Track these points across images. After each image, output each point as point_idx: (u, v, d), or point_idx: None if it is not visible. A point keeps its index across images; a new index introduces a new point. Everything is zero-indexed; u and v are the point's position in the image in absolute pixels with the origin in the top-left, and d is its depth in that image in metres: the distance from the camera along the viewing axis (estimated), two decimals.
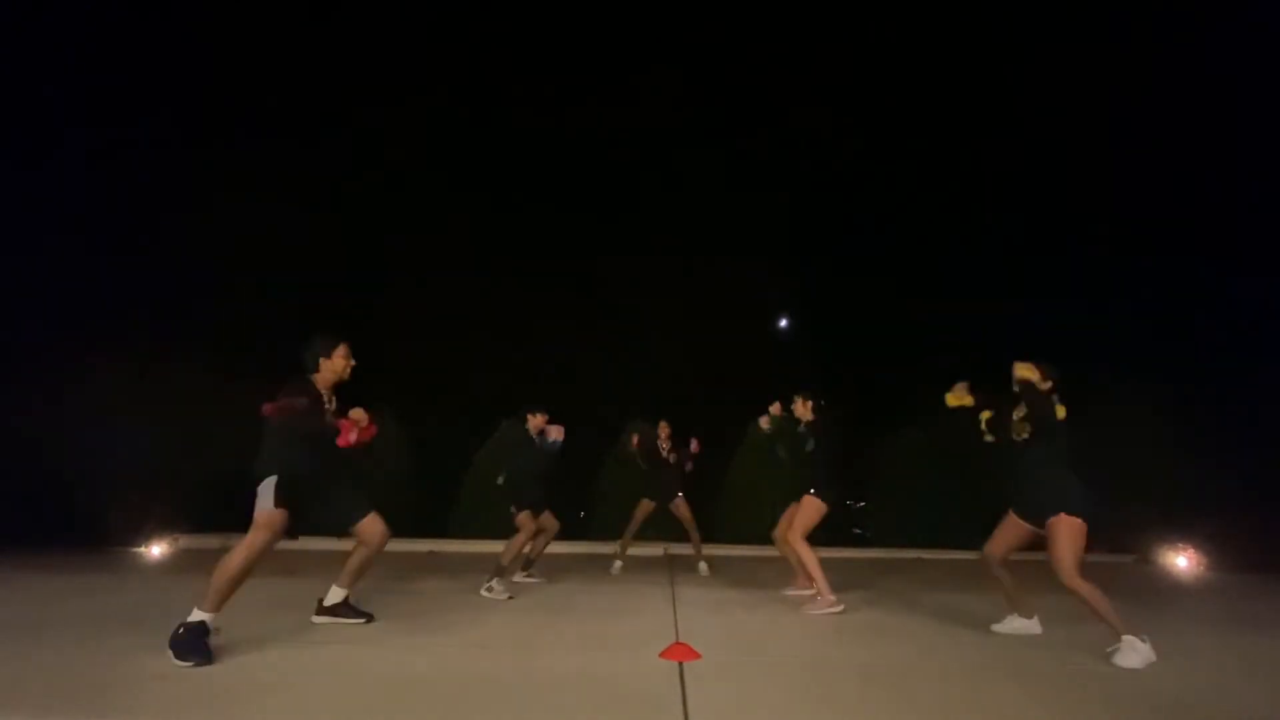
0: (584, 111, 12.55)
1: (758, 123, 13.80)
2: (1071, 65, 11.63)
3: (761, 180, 13.97)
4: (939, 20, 12.20)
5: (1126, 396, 8.60)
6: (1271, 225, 10.48)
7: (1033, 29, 11.73)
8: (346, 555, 3.78)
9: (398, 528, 3.99)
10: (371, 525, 3.64)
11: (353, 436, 3.40)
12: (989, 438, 3.81)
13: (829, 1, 12.53)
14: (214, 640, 2.93)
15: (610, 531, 6.85)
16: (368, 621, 3.69)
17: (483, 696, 2.50)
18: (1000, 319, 12.22)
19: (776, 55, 13.07)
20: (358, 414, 3.52)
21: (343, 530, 3.68)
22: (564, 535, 9.09)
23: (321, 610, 3.71)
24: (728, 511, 9.56)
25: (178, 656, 2.80)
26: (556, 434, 5.34)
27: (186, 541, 7.90)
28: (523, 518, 5.09)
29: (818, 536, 4.86)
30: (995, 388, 3.88)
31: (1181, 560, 8.10)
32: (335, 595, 3.73)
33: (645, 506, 6.42)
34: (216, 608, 2.97)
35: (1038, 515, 3.46)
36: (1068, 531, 3.29)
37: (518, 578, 5.41)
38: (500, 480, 5.34)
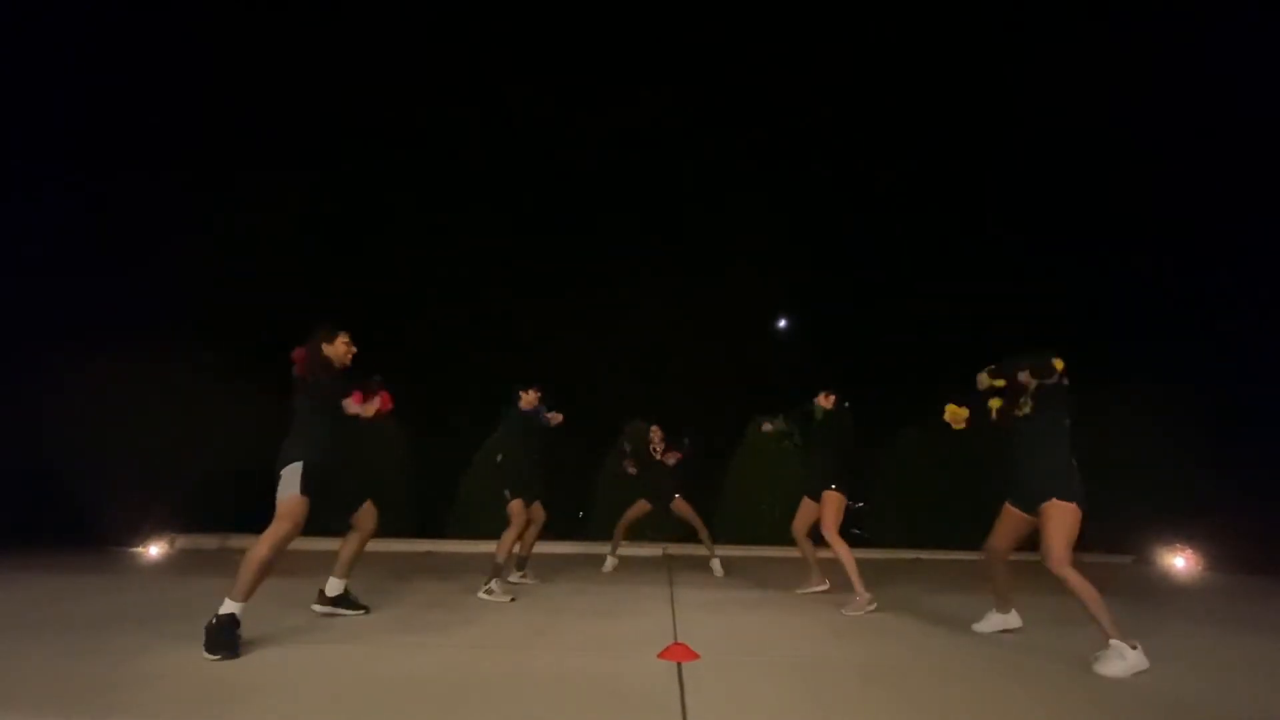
0: (583, 113, 12.57)
1: (758, 123, 13.82)
2: (1071, 64, 11.66)
3: (761, 180, 13.99)
4: (940, 20, 12.22)
5: (1125, 396, 8.61)
6: (1272, 225, 10.51)
7: (1035, 27, 11.75)
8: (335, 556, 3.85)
9: (396, 528, 4.02)
10: (368, 511, 3.79)
11: (372, 407, 3.59)
12: (994, 415, 3.71)
13: (830, 2, 12.55)
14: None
15: (608, 532, 6.85)
16: (365, 614, 3.83)
17: (481, 697, 2.51)
18: (1000, 319, 12.25)
19: (777, 56, 13.09)
20: (370, 386, 3.69)
21: (345, 520, 3.76)
22: (563, 535, 9.13)
23: (323, 600, 3.82)
24: (726, 512, 9.55)
25: (207, 648, 2.85)
26: (555, 419, 5.40)
27: (184, 542, 7.89)
28: (515, 506, 4.98)
29: (816, 536, 4.89)
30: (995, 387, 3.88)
31: (1179, 561, 8.11)
32: (335, 586, 3.84)
33: (640, 506, 6.43)
34: (246, 597, 3.04)
35: (1032, 500, 3.41)
36: (1060, 516, 3.25)
37: (513, 577, 5.34)
38: (499, 458, 5.31)
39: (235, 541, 8.08)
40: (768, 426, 5.28)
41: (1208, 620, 4.60)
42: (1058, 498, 3.28)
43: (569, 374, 11.86)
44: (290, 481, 3.26)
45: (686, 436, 6.46)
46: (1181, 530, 8.33)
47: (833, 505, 4.75)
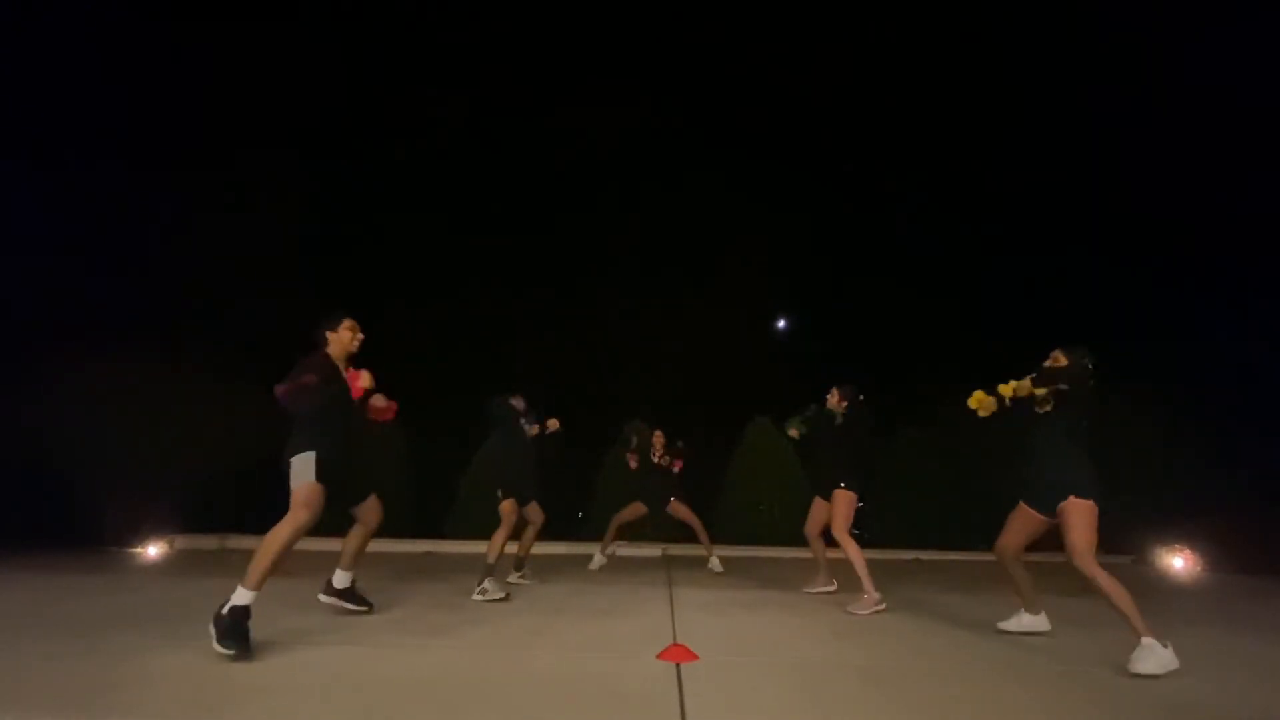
0: (582, 112, 12.56)
1: (757, 122, 13.82)
2: (1074, 64, 11.67)
3: (760, 180, 14.00)
4: (940, 18, 12.22)
5: (1124, 396, 8.61)
6: (1272, 225, 10.51)
7: (1039, 25, 11.74)
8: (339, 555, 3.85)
9: (396, 528, 4.03)
10: (373, 504, 3.78)
11: (380, 404, 3.65)
12: (1007, 402, 3.65)
13: (830, 2, 12.56)
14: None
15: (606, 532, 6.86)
16: (369, 612, 3.84)
17: (481, 697, 2.51)
18: (999, 319, 12.26)
19: (776, 55, 13.10)
20: (377, 399, 3.72)
21: (349, 514, 3.76)
22: (562, 536, 9.13)
23: (330, 591, 3.82)
24: (726, 512, 9.56)
25: (219, 640, 2.81)
26: (552, 425, 5.44)
27: (183, 542, 7.89)
28: (507, 505, 4.96)
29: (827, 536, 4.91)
30: (994, 389, 3.89)
31: (1178, 561, 8.12)
32: (342, 579, 3.85)
33: (635, 508, 6.44)
34: (258, 586, 2.99)
35: (1049, 500, 3.39)
36: (1080, 514, 3.23)
37: (511, 578, 5.32)
38: (492, 455, 5.32)
39: (234, 542, 8.08)
40: (794, 432, 5.25)
41: (1207, 620, 4.61)
42: (1076, 495, 3.27)
43: (568, 374, 11.89)
44: (304, 470, 3.22)
45: (682, 443, 6.49)
46: (1180, 530, 8.33)
47: (844, 504, 4.76)
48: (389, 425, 3.86)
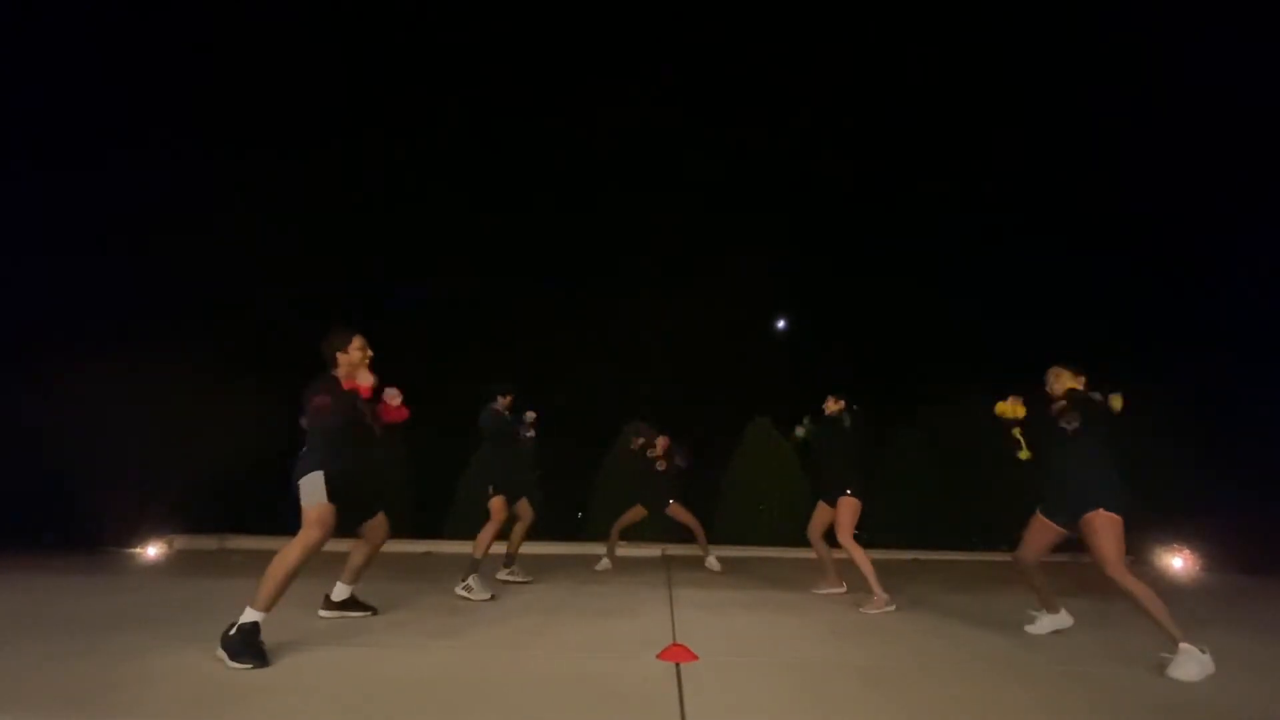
0: (581, 112, 12.58)
1: (756, 122, 13.83)
2: (1075, 62, 11.67)
3: (759, 180, 14.01)
4: (941, 17, 12.23)
5: (1122, 396, 8.59)
6: (1271, 224, 10.52)
7: (1037, 24, 11.75)
8: (343, 555, 3.85)
9: (396, 529, 4.03)
10: (380, 522, 3.77)
11: (395, 403, 3.65)
12: (1023, 454, 3.78)
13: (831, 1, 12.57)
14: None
15: (606, 532, 6.86)
16: (373, 614, 3.84)
17: (480, 697, 2.51)
18: (998, 319, 12.26)
19: (775, 54, 13.11)
20: (391, 392, 3.70)
21: (356, 528, 3.75)
22: (561, 535, 9.13)
23: (329, 605, 3.82)
24: (726, 512, 9.56)
25: (233, 658, 2.78)
26: (529, 418, 5.42)
27: (183, 542, 7.89)
28: (496, 502, 4.97)
29: (829, 538, 4.94)
30: (994, 388, 3.91)
31: (1177, 561, 8.12)
32: (342, 591, 3.85)
33: (636, 511, 6.46)
34: (268, 607, 2.95)
35: (1071, 513, 3.39)
36: (1106, 527, 3.24)
37: (501, 575, 5.31)
38: (483, 444, 5.32)
39: (234, 542, 8.08)
40: (800, 430, 5.32)
41: (1206, 620, 4.60)
42: (1104, 508, 3.27)
43: (568, 374, 11.89)
44: (314, 491, 3.18)
45: (682, 452, 6.51)
46: (1179, 530, 8.33)
47: (848, 510, 4.84)
48: (399, 426, 3.81)
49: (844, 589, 5.18)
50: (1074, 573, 6.11)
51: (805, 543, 5.38)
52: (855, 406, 5.07)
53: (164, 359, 8.41)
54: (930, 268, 13.65)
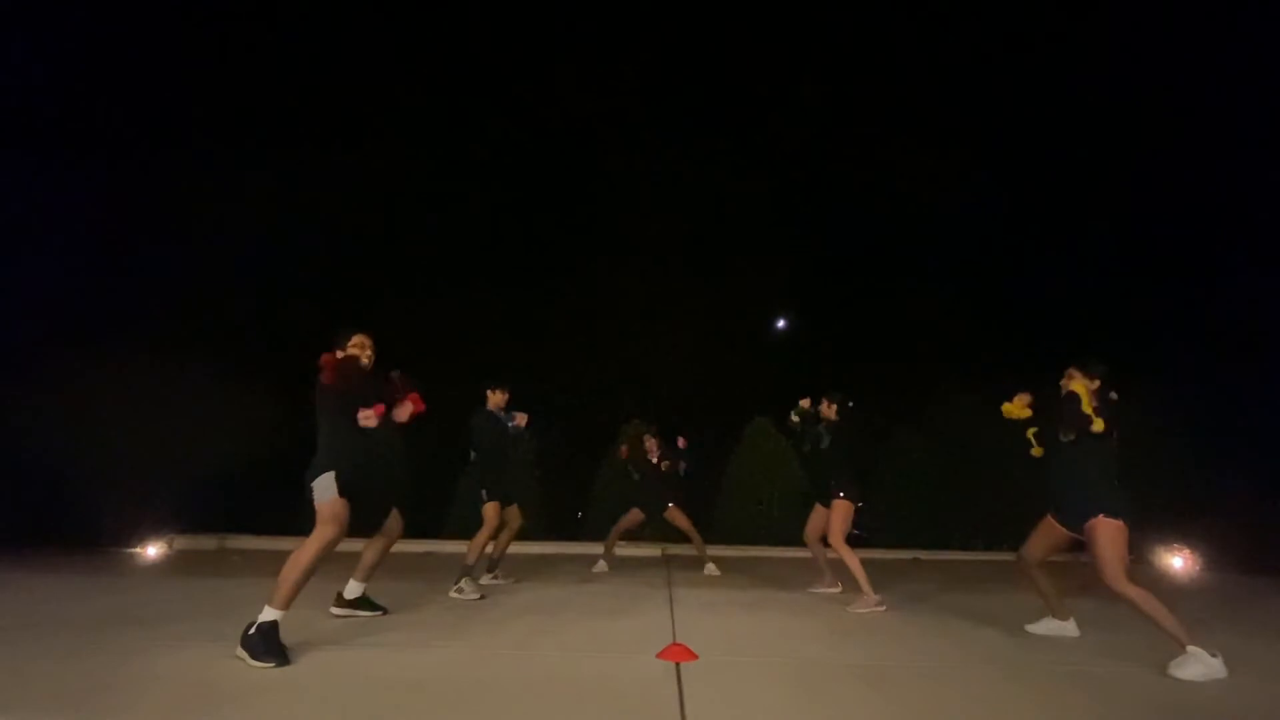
0: (579, 111, 12.57)
1: (755, 121, 13.84)
2: (1073, 57, 11.66)
3: (758, 180, 13.99)
4: (942, 16, 12.23)
5: (1123, 395, 8.59)
6: (1272, 224, 10.52)
7: (1031, 20, 11.74)
8: (350, 553, 3.83)
9: None
10: (395, 518, 3.80)
11: (406, 412, 3.58)
12: (1036, 451, 3.79)
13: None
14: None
15: (605, 532, 6.86)
16: (383, 614, 3.86)
17: (480, 697, 2.51)
18: (998, 319, 12.26)
19: (773, 53, 13.11)
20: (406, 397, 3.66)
21: (373, 527, 3.75)
22: (560, 536, 9.13)
23: (341, 603, 3.84)
24: (725, 512, 9.56)
25: (254, 657, 2.79)
26: (520, 420, 5.35)
27: (183, 542, 7.89)
28: (489, 508, 5.02)
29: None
30: (994, 387, 3.92)
31: (1177, 561, 8.12)
32: (354, 589, 3.87)
33: (634, 515, 6.47)
34: (286, 605, 2.96)
35: (1077, 518, 3.40)
36: (1108, 534, 3.23)
37: (484, 579, 5.34)
38: (472, 457, 5.31)
39: (233, 542, 8.08)
40: (795, 417, 5.34)
41: (1206, 620, 4.60)
42: (1105, 514, 3.27)
43: (567, 374, 11.90)
44: (326, 488, 3.18)
45: (680, 436, 6.50)
46: (1179, 530, 8.33)
47: (841, 513, 4.87)
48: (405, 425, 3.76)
49: (839, 588, 5.22)
50: (1076, 573, 6.11)
51: (804, 543, 5.41)
52: (851, 404, 5.09)
53: (164, 359, 8.41)
54: (930, 267, 13.66)
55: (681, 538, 6.60)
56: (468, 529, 8.74)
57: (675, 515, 6.37)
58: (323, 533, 3.10)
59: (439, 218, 12.74)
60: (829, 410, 5.11)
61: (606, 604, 4.54)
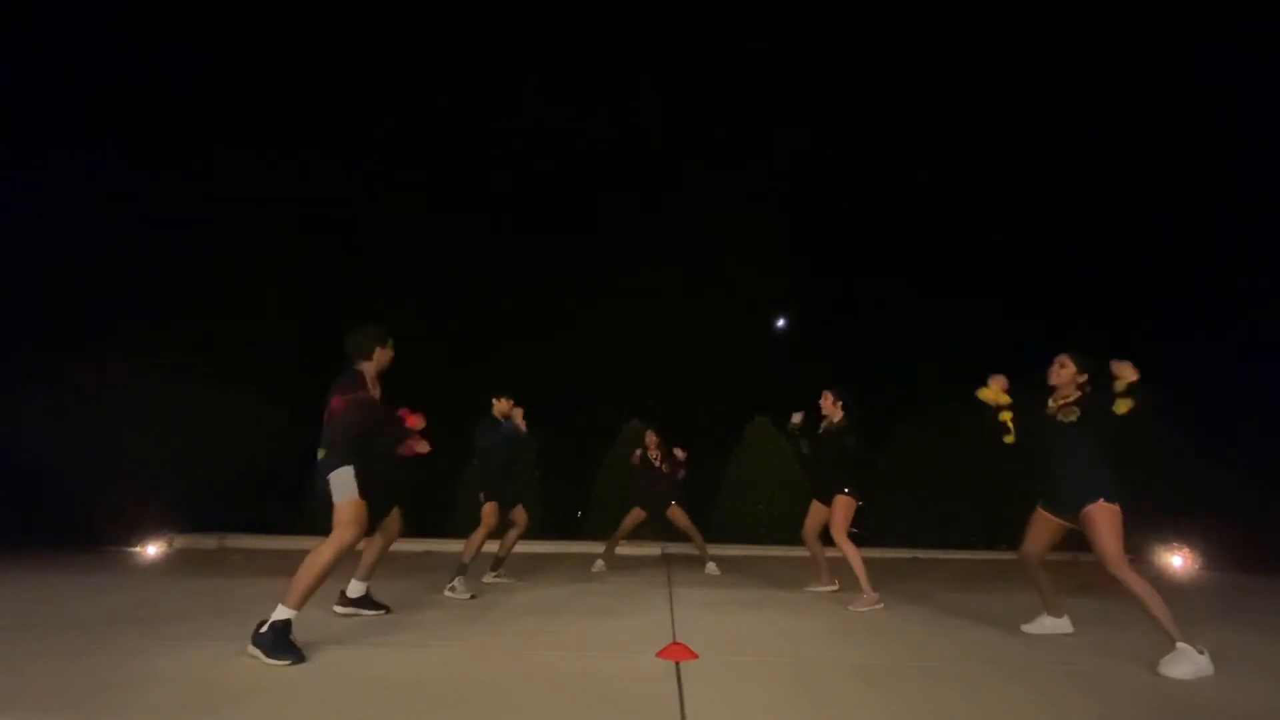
0: (582, 115, 12.57)
1: (756, 121, 13.84)
2: (1076, 65, 11.66)
3: (756, 179, 14.00)
4: (938, 17, 12.22)
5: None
6: (1270, 224, 10.53)
7: (1036, 26, 11.74)
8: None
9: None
10: (395, 517, 3.82)
11: (419, 447, 3.63)
12: (1008, 438, 3.79)
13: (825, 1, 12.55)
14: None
15: (607, 532, 6.86)
16: (387, 613, 3.88)
17: (479, 696, 2.51)
18: (997, 319, 12.26)
19: (773, 55, 13.10)
20: (415, 420, 3.69)
21: (373, 526, 3.73)
22: (560, 535, 9.13)
23: (344, 601, 3.85)
24: (725, 511, 9.57)
25: (269, 655, 2.80)
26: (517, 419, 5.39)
27: (182, 541, 7.89)
28: (488, 509, 5.02)
29: (824, 536, 4.95)
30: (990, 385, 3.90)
31: (1177, 559, 8.13)
32: (357, 588, 3.88)
33: (636, 515, 6.47)
34: (299, 605, 2.95)
35: (1072, 506, 3.39)
36: (1106, 518, 3.24)
37: (486, 578, 5.35)
38: (474, 461, 5.32)
39: (233, 541, 8.07)
40: (796, 419, 5.33)
41: (1205, 619, 4.61)
42: (1104, 499, 3.28)
43: (567, 374, 11.90)
44: (344, 486, 3.16)
45: (677, 448, 6.52)
46: (1179, 529, 8.34)
47: (843, 508, 4.87)
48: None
49: (837, 586, 5.24)
50: (1075, 571, 6.12)
51: (802, 541, 5.41)
52: (851, 405, 5.08)
53: (164, 359, 8.41)
54: (930, 266, 13.66)
55: (682, 537, 6.60)
56: (468, 529, 8.81)
57: (677, 514, 6.38)
58: (341, 535, 3.08)
59: (442, 221, 12.74)
60: (833, 407, 5.07)
61: (606, 603, 4.54)
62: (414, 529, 8.85)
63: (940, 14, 12.24)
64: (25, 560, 6.12)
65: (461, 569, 4.74)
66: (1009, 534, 7.94)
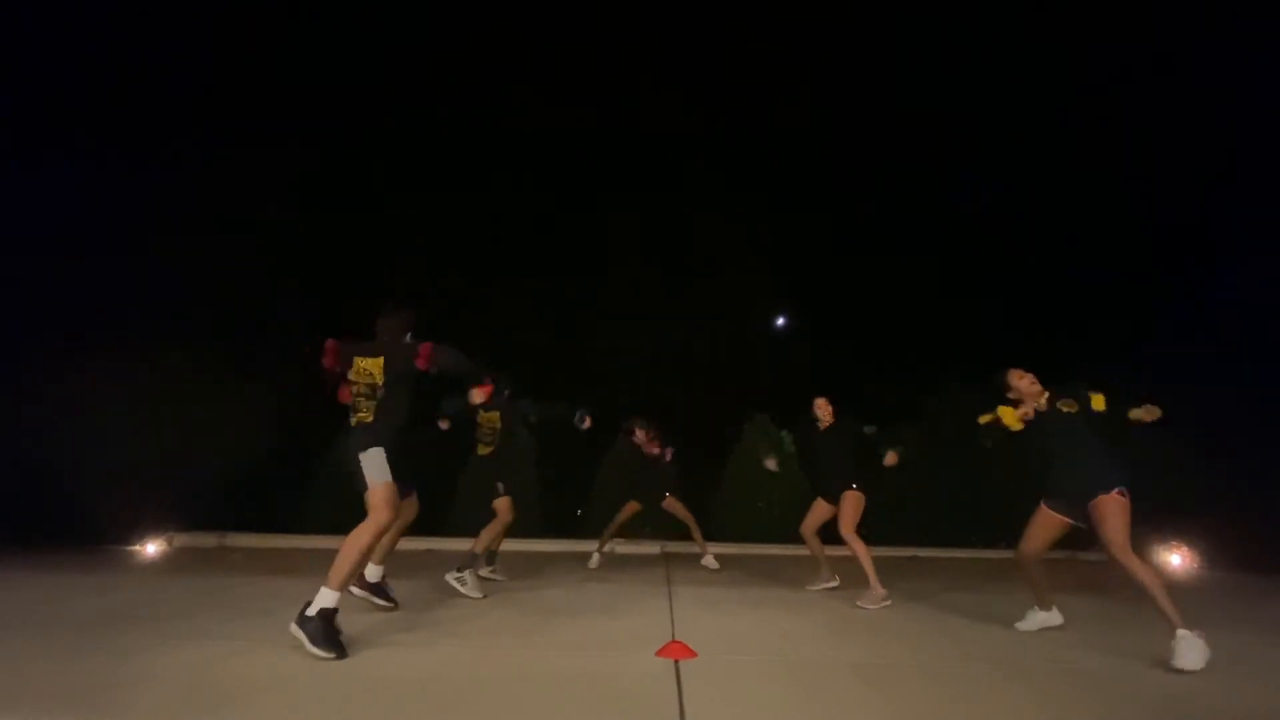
0: (579, 113, 12.57)
1: (752, 121, 13.82)
2: (1076, 64, 11.65)
3: (755, 179, 14.00)
4: (938, 17, 12.22)
5: (1123, 394, 8.59)
6: (1270, 224, 10.52)
7: (1038, 26, 11.72)
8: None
9: None
10: (412, 502, 3.86)
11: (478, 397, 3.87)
12: (987, 442, 3.83)
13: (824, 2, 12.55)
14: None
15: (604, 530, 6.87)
16: (394, 608, 3.91)
17: (479, 695, 2.51)
18: (996, 318, 12.26)
19: (771, 54, 13.10)
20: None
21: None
22: (560, 533, 9.12)
23: (362, 584, 3.87)
24: (724, 510, 9.57)
25: (313, 643, 2.83)
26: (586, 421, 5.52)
27: (182, 540, 7.89)
28: (501, 503, 5.03)
29: (825, 535, 4.96)
30: (991, 384, 3.92)
31: (1176, 559, 8.13)
32: (374, 572, 3.92)
33: (631, 507, 6.48)
34: (342, 586, 2.99)
35: (1081, 496, 3.41)
36: (1113, 508, 3.26)
37: (482, 573, 5.31)
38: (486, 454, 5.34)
39: (233, 540, 8.08)
40: (771, 464, 5.42)
41: (1204, 618, 4.61)
42: (1105, 491, 3.31)
43: (566, 372, 11.89)
44: (377, 467, 3.20)
45: (669, 447, 6.54)
46: (1178, 528, 8.34)
47: (853, 504, 4.90)
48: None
49: (837, 582, 5.25)
50: (1073, 570, 6.13)
51: (802, 540, 5.42)
52: (845, 414, 5.17)
53: (164, 357, 8.40)
54: (931, 265, 13.65)
55: (681, 534, 6.61)
56: (467, 527, 8.80)
57: (673, 505, 6.39)
58: (376, 518, 3.15)
59: (441, 217, 12.73)
60: (825, 411, 5.14)
61: (605, 602, 4.55)
62: (414, 528, 8.88)
63: (940, 14, 12.25)
64: (25, 559, 6.12)
65: (471, 559, 4.71)
66: (1009, 533, 7.95)
